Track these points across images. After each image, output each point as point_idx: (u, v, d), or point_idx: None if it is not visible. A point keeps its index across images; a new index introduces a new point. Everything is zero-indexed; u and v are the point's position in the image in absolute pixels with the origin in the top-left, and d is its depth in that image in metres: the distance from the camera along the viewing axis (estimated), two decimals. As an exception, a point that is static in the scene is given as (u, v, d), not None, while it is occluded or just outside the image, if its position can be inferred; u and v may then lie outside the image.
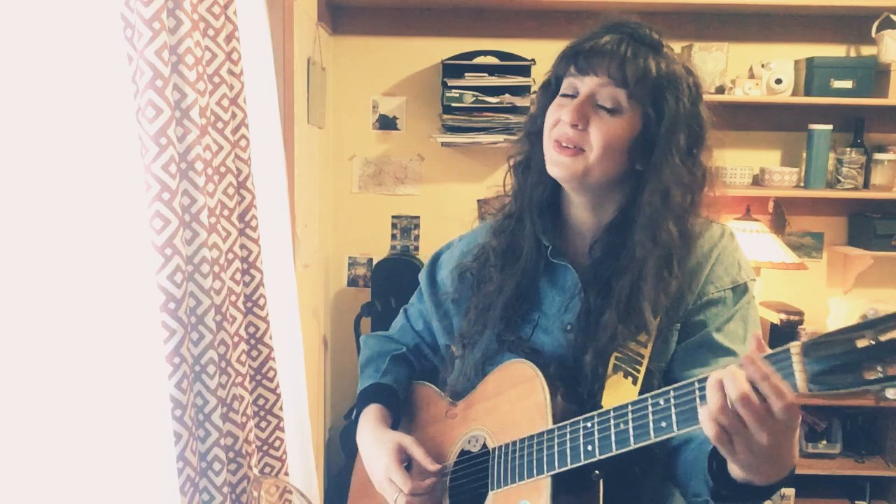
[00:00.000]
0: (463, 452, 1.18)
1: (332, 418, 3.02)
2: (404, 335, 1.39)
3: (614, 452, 0.93)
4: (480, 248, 1.22)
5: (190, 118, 1.35)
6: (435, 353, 1.36)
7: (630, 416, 0.92)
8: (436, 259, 1.36)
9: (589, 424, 0.97)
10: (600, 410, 0.97)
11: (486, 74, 2.79)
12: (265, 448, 1.80)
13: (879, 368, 0.71)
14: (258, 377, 1.74)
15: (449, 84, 2.79)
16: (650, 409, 0.90)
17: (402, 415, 1.30)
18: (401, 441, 1.18)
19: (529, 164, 1.16)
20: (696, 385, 0.85)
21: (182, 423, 1.34)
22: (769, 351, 0.79)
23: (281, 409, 1.81)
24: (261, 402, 1.76)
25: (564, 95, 1.09)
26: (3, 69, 1.12)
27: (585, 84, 1.06)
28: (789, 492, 2.75)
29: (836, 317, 2.88)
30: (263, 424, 1.78)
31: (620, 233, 1.09)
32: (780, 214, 2.93)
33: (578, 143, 1.05)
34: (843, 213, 2.99)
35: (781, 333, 2.70)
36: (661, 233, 1.04)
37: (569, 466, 0.98)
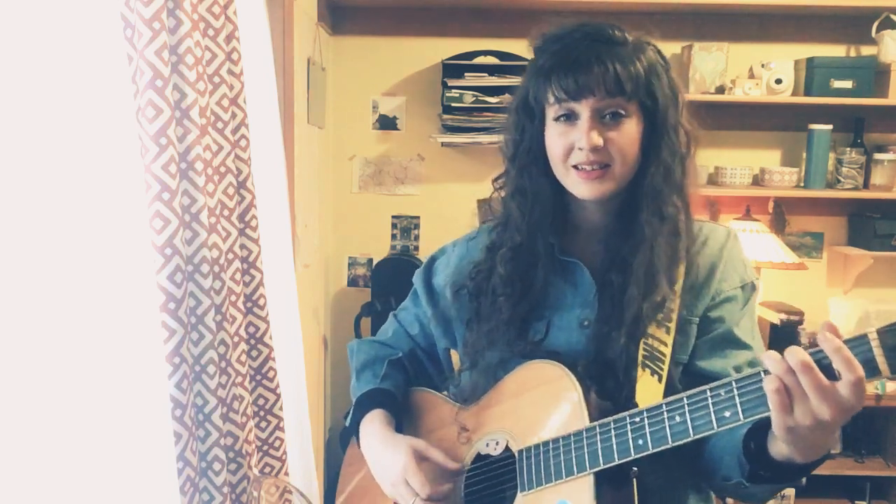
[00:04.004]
0: (479, 457, 1.16)
1: (332, 418, 3.02)
2: (399, 341, 1.36)
3: (670, 445, 0.93)
4: (476, 267, 1.20)
5: (190, 118, 1.35)
6: (430, 358, 1.35)
7: (687, 408, 0.92)
8: (431, 264, 1.34)
9: (638, 419, 0.96)
10: (648, 405, 0.97)
11: (486, 74, 2.80)
12: (265, 448, 1.80)
13: None
14: (258, 377, 1.74)
15: (449, 84, 2.79)
16: (710, 399, 0.90)
17: (403, 420, 1.27)
18: (415, 444, 1.15)
19: (528, 193, 1.14)
20: (763, 375, 0.86)
21: (182, 423, 1.34)
22: (845, 337, 0.81)
23: (281, 409, 1.81)
24: (261, 402, 1.77)
25: (560, 119, 1.07)
26: (4, 69, 1.12)
27: (584, 106, 1.05)
28: (789, 492, 2.75)
29: (836, 317, 2.88)
30: (263, 424, 1.78)
31: (626, 215, 1.11)
32: (780, 214, 2.93)
33: (603, 160, 1.05)
34: (843, 213, 2.99)
35: (781, 333, 2.70)
36: (667, 208, 1.07)
37: (616, 462, 0.97)
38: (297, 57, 2.23)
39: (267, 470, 1.81)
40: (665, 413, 0.94)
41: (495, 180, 1.20)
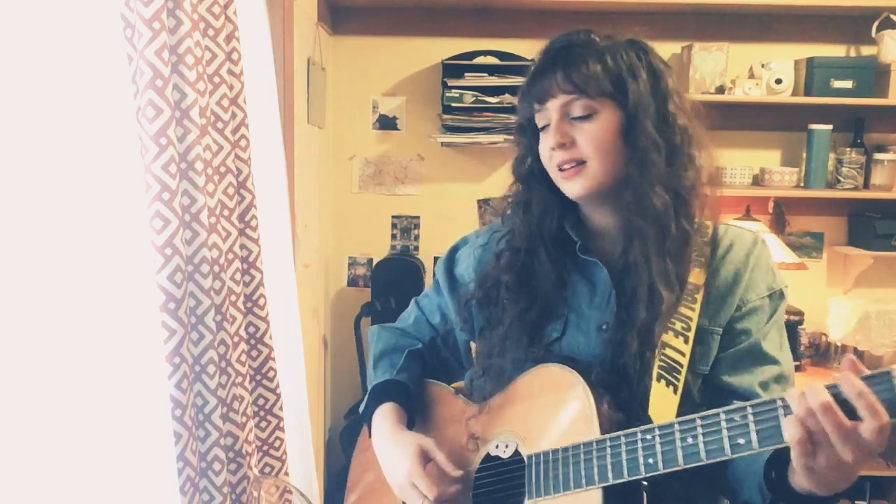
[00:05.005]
0: (488, 457, 1.16)
1: (332, 418, 3.02)
2: (419, 329, 1.37)
3: (681, 467, 0.91)
4: (485, 277, 1.21)
5: (190, 118, 1.35)
6: (448, 348, 1.34)
7: (700, 430, 0.90)
8: (453, 253, 1.34)
9: (649, 437, 0.94)
10: (661, 423, 0.95)
11: (486, 74, 2.80)
12: (265, 448, 1.80)
13: None
14: (258, 377, 1.74)
15: (449, 84, 2.79)
16: (724, 424, 0.88)
17: (416, 414, 1.27)
18: (422, 444, 1.15)
19: (530, 203, 1.17)
20: (780, 403, 0.84)
21: (182, 423, 1.34)
22: (867, 372, 0.79)
23: (281, 409, 1.81)
24: (261, 402, 1.77)
25: (544, 129, 1.12)
26: (4, 69, 1.12)
27: (550, 109, 1.09)
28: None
29: (836, 317, 2.88)
30: (263, 424, 1.78)
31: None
32: (780, 214, 2.93)
33: (576, 157, 1.07)
34: (843, 213, 2.99)
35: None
36: (647, 199, 1.05)
37: (625, 479, 0.95)
38: (297, 57, 2.23)
39: (267, 470, 1.81)
40: (677, 433, 0.92)
41: (505, 199, 1.23)
